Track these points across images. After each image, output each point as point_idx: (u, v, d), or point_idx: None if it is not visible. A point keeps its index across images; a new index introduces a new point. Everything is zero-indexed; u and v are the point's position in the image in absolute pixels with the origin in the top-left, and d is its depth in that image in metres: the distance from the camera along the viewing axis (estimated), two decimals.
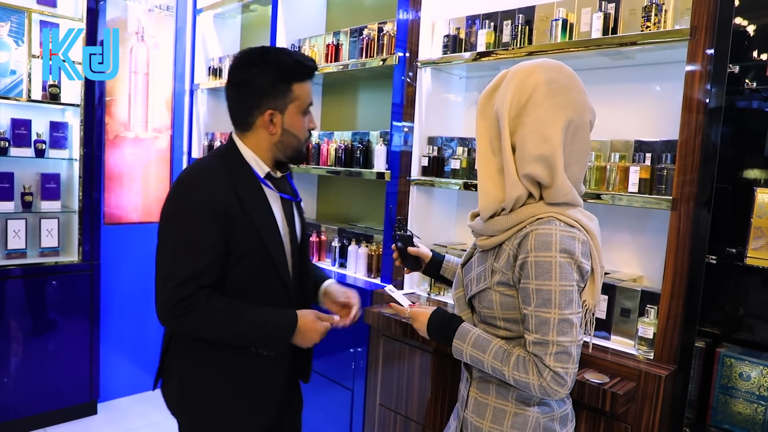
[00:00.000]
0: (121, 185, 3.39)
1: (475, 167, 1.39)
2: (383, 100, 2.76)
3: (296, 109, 1.48)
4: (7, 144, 2.93)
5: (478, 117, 1.27)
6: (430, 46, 2.31)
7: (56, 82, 3.06)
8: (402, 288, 2.33)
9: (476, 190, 1.76)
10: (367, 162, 2.54)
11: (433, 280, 2.19)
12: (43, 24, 3.04)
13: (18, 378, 2.95)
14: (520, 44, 2.00)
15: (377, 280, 2.49)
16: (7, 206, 2.98)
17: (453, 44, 2.20)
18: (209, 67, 3.59)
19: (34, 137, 3.05)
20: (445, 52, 2.22)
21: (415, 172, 2.32)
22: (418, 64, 2.27)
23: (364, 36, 2.55)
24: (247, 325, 1.41)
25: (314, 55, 2.82)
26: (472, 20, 2.18)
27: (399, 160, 2.33)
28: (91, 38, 3.11)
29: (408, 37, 2.30)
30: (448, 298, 2.26)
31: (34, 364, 3.00)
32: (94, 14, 3.11)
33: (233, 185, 1.41)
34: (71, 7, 3.13)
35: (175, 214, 1.40)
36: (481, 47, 2.09)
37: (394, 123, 2.33)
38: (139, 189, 3.47)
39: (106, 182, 3.32)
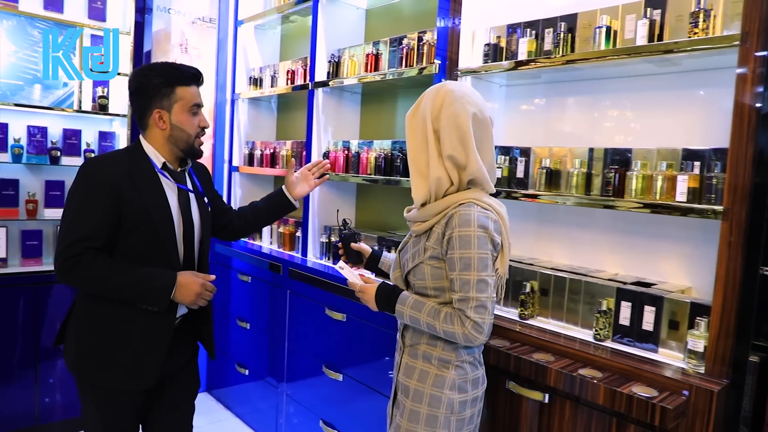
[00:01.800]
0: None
1: (409, 170, 1.63)
2: None
3: (181, 108, 1.79)
4: (59, 153, 3.05)
5: (408, 128, 1.61)
6: (470, 55, 2.31)
7: (105, 94, 3.17)
8: None
9: (519, 199, 2.06)
10: (407, 170, 2.54)
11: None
12: (94, 38, 3.16)
13: (53, 386, 3.05)
14: (563, 52, 1.98)
15: None
16: (59, 213, 3.09)
17: (493, 53, 2.19)
18: (250, 77, 3.66)
19: (83, 147, 3.17)
20: (485, 61, 2.22)
21: None
22: (458, 72, 2.27)
23: (403, 45, 2.56)
24: (130, 279, 1.67)
25: (354, 65, 2.85)
26: (512, 28, 2.18)
27: None
28: (138, 50, 3.22)
29: (448, 45, 2.31)
30: None
31: None
32: (140, 27, 3.21)
33: (129, 170, 1.73)
34: (120, 21, 3.25)
35: (75, 189, 1.71)
36: (522, 55, 2.08)
37: None
38: None
39: None
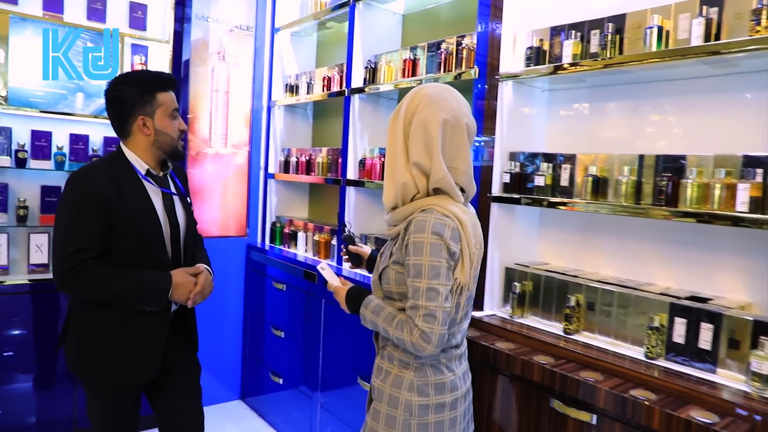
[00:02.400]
0: (201, 200, 3.50)
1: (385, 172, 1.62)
2: None
3: (163, 113, 1.87)
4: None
5: (388, 131, 1.58)
6: (511, 59, 2.23)
7: None
8: (483, 309, 2.25)
9: (563, 207, 2.01)
10: None
11: (513, 303, 2.11)
12: (134, 47, 3.20)
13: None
14: (610, 54, 1.89)
15: None
16: None
17: (536, 56, 2.11)
18: (286, 84, 3.66)
19: None
20: (527, 65, 2.14)
21: (495, 189, 2.24)
22: (499, 77, 2.20)
23: (441, 50, 2.51)
24: (129, 284, 1.76)
25: (390, 71, 2.80)
26: (556, 31, 2.10)
27: (479, 177, 2.26)
28: (177, 58, 3.25)
29: (488, 49, 2.24)
30: (529, 320, 2.16)
31: None
32: (179, 36, 3.24)
33: (114, 179, 1.79)
34: (159, 30, 3.29)
35: (64, 202, 1.78)
36: (567, 59, 2.00)
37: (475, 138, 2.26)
38: (218, 204, 3.57)
39: None
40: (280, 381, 3.34)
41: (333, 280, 1.77)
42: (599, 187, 1.93)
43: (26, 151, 2.90)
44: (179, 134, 1.94)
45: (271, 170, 3.74)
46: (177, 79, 2.05)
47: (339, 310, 2.83)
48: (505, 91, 2.23)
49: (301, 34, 3.75)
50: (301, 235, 3.42)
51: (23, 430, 2.87)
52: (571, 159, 2.05)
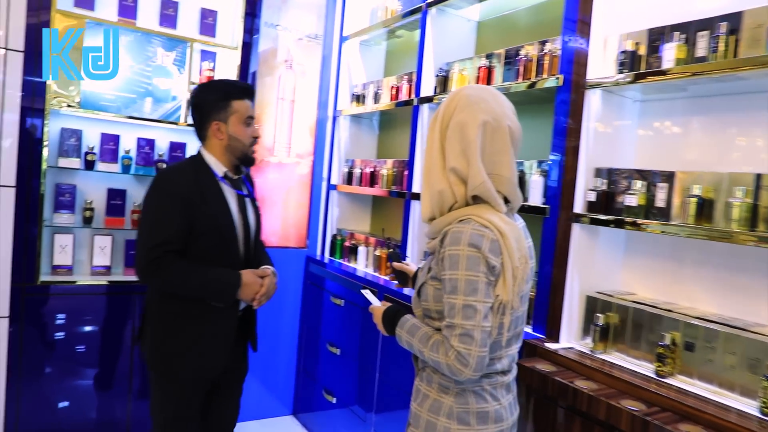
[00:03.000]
0: (262, 209, 3.42)
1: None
2: (539, 126, 2.50)
3: (237, 120, 1.98)
4: (164, 165, 3.07)
5: (427, 137, 1.47)
6: (600, 66, 2.02)
7: None
8: (559, 341, 2.03)
9: (658, 231, 1.77)
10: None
11: (595, 336, 1.88)
12: (204, 53, 3.19)
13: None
14: (724, 58, 1.65)
15: (528, 329, 2.20)
16: None
17: (631, 62, 1.90)
18: (352, 94, 3.56)
19: None
20: (621, 71, 1.92)
21: (578, 207, 2.02)
22: (587, 85, 2.00)
23: (521, 57, 2.32)
24: (203, 279, 1.88)
25: (464, 79, 2.64)
26: (655, 33, 1.87)
27: (560, 194, 2.06)
28: (245, 65, 3.21)
29: (574, 55, 2.04)
30: (613, 357, 1.92)
31: None
32: (248, 44, 3.21)
33: (196, 180, 1.92)
34: (228, 37, 3.26)
35: (151, 198, 1.91)
36: (668, 63, 1.77)
37: (555, 152, 2.07)
38: (279, 213, 3.50)
39: None
40: (333, 400, 3.20)
41: (374, 302, 1.68)
42: (704, 209, 1.69)
43: (95, 154, 2.92)
44: (252, 141, 2.03)
45: (333, 181, 3.65)
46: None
47: None
48: (593, 101, 2.02)
49: (370, 43, 3.65)
50: (361, 249, 3.28)
51: (84, 426, 2.87)
52: (669, 177, 1.81)
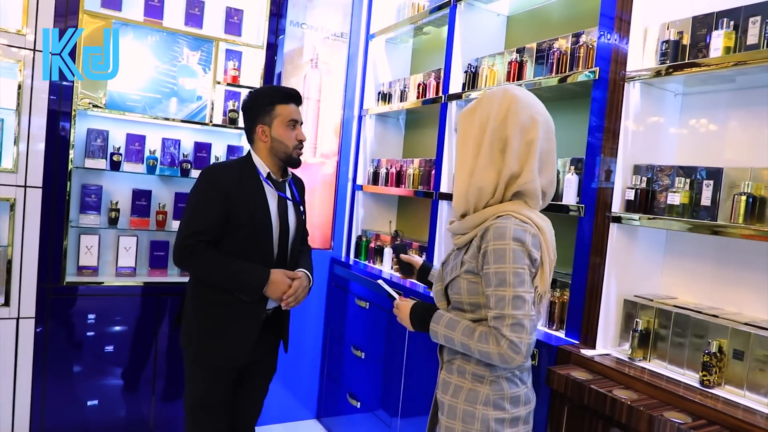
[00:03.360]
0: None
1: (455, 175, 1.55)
2: (572, 122, 2.40)
3: (280, 123, 2.06)
4: (189, 166, 3.06)
5: (461, 131, 1.50)
6: (639, 57, 1.92)
7: (235, 107, 3.15)
8: (595, 347, 1.93)
9: (702, 231, 1.68)
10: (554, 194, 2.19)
11: (633, 342, 1.76)
12: (229, 52, 3.17)
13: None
14: None
15: (560, 333, 2.10)
16: None
17: (674, 52, 1.79)
18: (379, 92, 3.50)
19: (212, 160, 3.16)
20: (662, 62, 1.81)
21: (616, 207, 1.92)
22: (626, 77, 1.89)
23: (554, 50, 2.23)
24: (231, 270, 1.95)
25: (493, 75, 2.55)
26: (700, 21, 1.76)
27: (596, 193, 1.95)
28: (270, 64, 3.18)
29: (612, 47, 1.94)
30: (653, 365, 1.81)
31: None
32: (273, 43, 3.17)
33: (239, 177, 2.01)
34: (254, 36, 3.24)
35: (196, 189, 2.01)
36: (716, 53, 1.66)
37: (591, 148, 1.97)
38: None
39: None
40: (358, 404, 3.13)
41: (393, 294, 1.73)
42: (755, 208, 1.57)
43: (121, 155, 2.91)
44: (296, 144, 2.10)
45: (359, 181, 3.59)
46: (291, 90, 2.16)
47: (425, 334, 2.59)
48: (632, 95, 1.91)
49: (396, 41, 3.59)
50: (387, 250, 3.21)
51: (111, 426, 2.88)
52: (715, 174, 1.69)
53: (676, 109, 2.03)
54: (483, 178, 1.43)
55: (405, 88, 3.25)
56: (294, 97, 2.12)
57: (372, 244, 3.39)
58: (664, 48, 1.81)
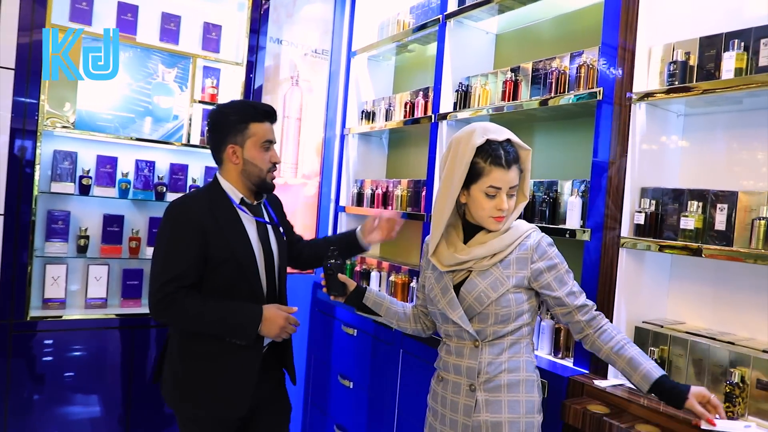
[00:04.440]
0: None
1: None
2: (569, 142, 2.36)
3: (253, 144, 1.84)
4: (164, 189, 2.89)
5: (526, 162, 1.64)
6: (644, 78, 1.88)
7: None
8: (606, 378, 1.85)
9: (722, 257, 1.64)
10: (555, 217, 2.13)
11: None
12: (206, 69, 3.03)
13: None
14: None
15: (567, 362, 2.02)
16: None
17: (682, 73, 1.75)
18: (362, 111, 3.41)
19: (189, 182, 3.00)
20: (671, 83, 1.77)
21: (625, 231, 1.86)
22: (633, 98, 1.85)
23: (552, 69, 2.18)
24: (219, 315, 1.74)
25: (486, 94, 2.49)
26: (709, 42, 1.73)
27: (603, 217, 1.89)
28: (249, 83, 3.05)
29: (617, 67, 1.89)
30: None
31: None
32: (252, 60, 3.05)
33: (210, 208, 1.80)
34: (233, 52, 3.11)
35: (163, 229, 1.78)
36: (728, 74, 1.63)
37: (596, 170, 1.91)
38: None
39: None
40: None
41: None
42: None
43: (90, 178, 2.73)
44: (270, 166, 1.89)
45: (342, 203, 3.47)
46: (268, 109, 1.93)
47: (420, 363, 2.49)
48: (638, 116, 1.87)
49: (379, 59, 3.51)
50: (374, 274, 3.10)
51: None
52: (729, 197, 1.65)
53: (678, 130, 1.99)
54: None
55: (390, 106, 3.17)
56: (270, 115, 1.90)
57: (357, 268, 3.27)
58: (671, 69, 1.77)
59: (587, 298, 1.60)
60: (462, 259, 1.59)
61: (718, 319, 1.86)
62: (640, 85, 1.87)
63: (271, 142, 1.90)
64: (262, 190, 1.92)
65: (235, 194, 1.87)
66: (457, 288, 1.62)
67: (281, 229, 2.03)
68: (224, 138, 1.85)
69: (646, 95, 1.82)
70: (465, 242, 1.63)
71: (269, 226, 1.95)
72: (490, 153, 1.52)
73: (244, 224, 1.85)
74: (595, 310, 1.58)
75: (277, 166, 1.92)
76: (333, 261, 1.79)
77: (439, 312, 1.65)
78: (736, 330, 1.80)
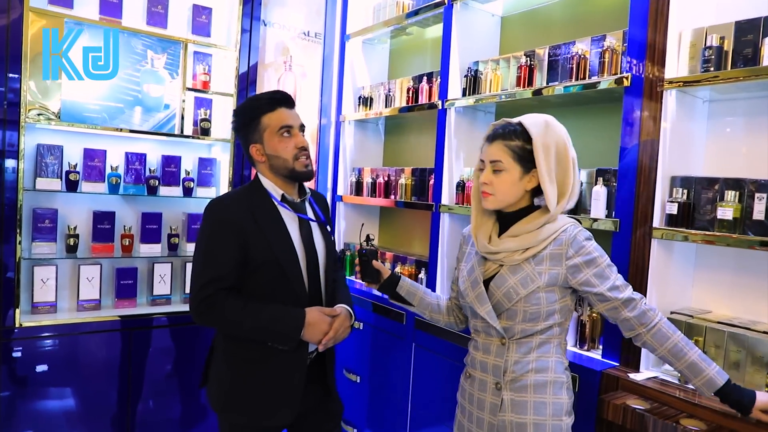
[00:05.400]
0: None
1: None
2: (590, 129, 2.30)
3: (270, 135, 1.75)
4: (157, 182, 2.74)
5: (539, 153, 1.50)
6: (675, 63, 1.83)
7: (207, 116, 2.86)
8: (639, 370, 1.83)
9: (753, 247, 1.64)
10: (576, 206, 2.08)
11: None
12: (197, 55, 2.86)
13: None
14: None
15: (595, 354, 1.99)
16: (155, 249, 2.78)
17: (717, 58, 1.70)
18: (359, 97, 3.29)
19: (183, 175, 2.85)
20: (705, 69, 1.73)
21: (656, 221, 1.82)
22: (664, 84, 1.80)
23: (572, 54, 2.11)
24: (261, 320, 1.65)
25: (497, 80, 2.41)
26: (747, 26, 1.69)
27: (633, 207, 1.85)
28: (243, 69, 2.90)
29: (647, 51, 1.84)
30: None
31: (180, 421, 2.75)
32: (245, 44, 2.89)
33: (250, 207, 1.71)
34: (224, 36, 2.95)
35: (202, 230, 1.71)
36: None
37: (624, 158, 1.86)
38: None
39: None
40: (354, 431, 2.93)
41: None
42: None
43: (78, 173, 2.55)
44: (296, 152, 1.76)
45: (339, 192, 3.37)
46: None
47: (435, 357, 2.44)
48: (669, 102, 1.82)
49: (374, 42, 3.39)
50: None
51: None
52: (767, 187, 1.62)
53: (703, 117, 1.96)
54: (569, 199, 1.53)
55: (390, 92, 3.06)
56: (280, 101, 1.80)
57: (358, 259, 3.18)
58: (707, 54, 1.72)
59: (630, 288, 1.51)
60: (492, 249, 1.55)
61: (744, 307, 1.85)
62: (670, 71, 1.82)
63: (291, 126, 1.77)
64: (296, 179, 1.79)
65: (276, 191, 1.77)
66: (488, 283, 1.56)
67: (328, 228, 1.91)
68: (246, 140, 1.79)
69: (682, 82, 1.77)
70: (500, 235, 1.58)
71: (314, 225, 1.84)
72: None
73: (285, 223, 1.74)
74: (645, 304, 1.49)
75: (305, 149, 1.79)
76: (368, 248, 1.77)
77: (468, 306, 1.61)
78: (764, 318, 1.79)
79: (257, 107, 1.78)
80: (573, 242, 1.48)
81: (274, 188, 1.78)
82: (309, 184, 1.91)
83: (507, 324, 1.53)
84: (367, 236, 1.81)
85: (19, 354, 2.35)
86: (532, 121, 1.52)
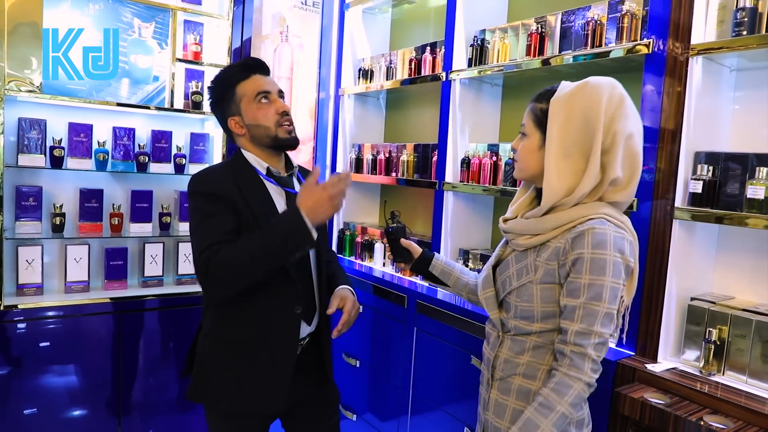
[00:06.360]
0: None
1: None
2: None
3: (248, 103, 1.64)
4: (147, 159, 2.61)
5: (552, 119, 1.29)
6: (701, 28, 1.67)
7: (199, 89, 2.71)
8: (657, 360, 1.71)
9: None
10: None
11: (706, 354, 1.55)
12: (187, 24, 2.71)
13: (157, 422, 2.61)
14: None
15: (610, 342, 1.87)
16: (146, 228, 2.66)
17: (750, 21, 1.55)
18: (359, 69, 3.13)
19: (174, 151, 2.72)
20: (737, 33, 1.57)
21: (679, 201, 1.69)
22: (690, 51, 1.64)
23: (587, 19, 1.95)
24: (261, 238, 1.46)
25: (506, 49, 2.26)
26: None
27: (653, 185, 1.72)
28: (236, 39, 2.74)
29: (670, 16, 1.68)
30: (733, 380, 1.61)
31: (174, 407, 2.66)
32: (239, 11, 2.73)
33: (234, 180, 1.59)
34: (216, 4, 2.78)
35: (191, 207, 1.60)
36: None
37: (646, 133, 1.72)
38: None
39: None
40: (354, 417, 2.84)
41: None
42: None
43: (63, 148, 2.42)
44: (277, 118, 1.65)
45: (338, 169, 3.23)
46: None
47: (437, 343, 2.33)
48: (695, 72, 1.67)
49: (375, 11, 3.21)
50: (378, 245, 2.90)
51: None
52: None
53: (730, 87, 1.81)
54: (586, 181, 1.27)
55: (391, 64, 2.90)
56: (253, 67, 1.69)
57: (359, 239, 3.06)
58: (739, 17, 1.57)
59: (595, 339, 1.21)
60: (502, 226, 1.44)
61: None
62: (696, 37, 1.66)
63: (268, 92, 1.66)
64: (281, 147, 1.69)
65: (260, 164, 1.66)
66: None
67: None
68: (223, 114, 1.68)
69: (710, 48, 1.61)
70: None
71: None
72: None
73: (273, 197, 1.64)
74: (579, 358, 1.21)
75: (286, 115, 1.67)
76: (394, 225, 1.67)
77: None
78: None
79: (230, 76, 1.68)
80: (578, 237, 1.23)
81: (257, 161, 1.67)
82: (306, 162, 1.78)
83: (503, 316, 1.41)
84: (392, 212, 1.69)
85: (3, 337, 2.25)
86: (572, 82, 1.33)
